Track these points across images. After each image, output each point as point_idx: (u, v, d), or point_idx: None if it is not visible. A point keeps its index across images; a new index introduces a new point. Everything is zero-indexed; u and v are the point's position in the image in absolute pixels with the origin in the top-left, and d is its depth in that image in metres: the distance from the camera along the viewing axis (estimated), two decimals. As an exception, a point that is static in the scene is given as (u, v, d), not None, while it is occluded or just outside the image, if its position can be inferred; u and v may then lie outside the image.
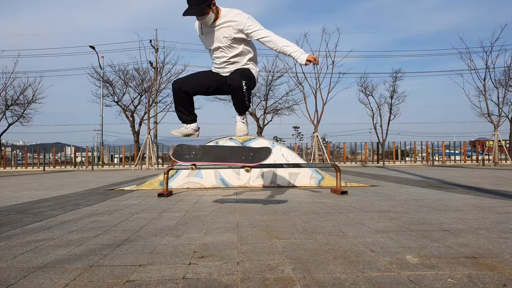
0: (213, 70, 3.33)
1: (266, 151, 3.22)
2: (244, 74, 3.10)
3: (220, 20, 3.03)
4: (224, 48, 3.13)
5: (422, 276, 1.44)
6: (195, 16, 3.01)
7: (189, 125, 3.41)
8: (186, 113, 3.35)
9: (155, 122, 22.47)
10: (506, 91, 18.17)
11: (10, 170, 17.99)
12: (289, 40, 3.10)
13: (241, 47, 3.12)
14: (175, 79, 3.38)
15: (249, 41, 3.19)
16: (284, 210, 3.20)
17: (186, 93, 3.24)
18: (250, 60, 3.23)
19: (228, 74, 3.23)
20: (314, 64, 3.00)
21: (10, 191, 5.56)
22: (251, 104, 3.23)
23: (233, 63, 3.19)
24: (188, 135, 3.43)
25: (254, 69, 3.28)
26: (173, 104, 3.39)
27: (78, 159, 23.68)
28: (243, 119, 3.35)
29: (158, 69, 18.08)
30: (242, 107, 3.24)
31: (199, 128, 3.47)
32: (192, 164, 3.27)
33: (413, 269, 1.53)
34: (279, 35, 3.05)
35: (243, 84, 3.02)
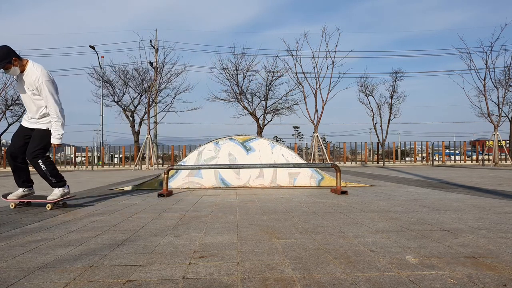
0: (24, 125, 3.47)
1: None
2: (36, 155, 3.34)
3: (26, 72, 3.28)
4: (28, 98, 3.33)
5: (422, 276, 1.44)
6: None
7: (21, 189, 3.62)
8: (18, 179, 3.58)
9: (155, 122, 22.49)
10: (506, 91, 18.17)
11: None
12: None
13: (42, 101, 3.33)
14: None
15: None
16: (284, 210, 3.20)
17: (12, 158, 3.46)
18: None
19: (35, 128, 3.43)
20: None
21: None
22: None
23: (38, 114, 3.36)
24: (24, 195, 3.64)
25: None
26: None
27: (78, 159, 23.66)
28: (58, 188, 3.49)
29: (158, 69, 18.09)
30: (48, 183, 3.44)
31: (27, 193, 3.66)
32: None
33: (413, 269, 1.53)
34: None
35: (42, 166, 3.33)
